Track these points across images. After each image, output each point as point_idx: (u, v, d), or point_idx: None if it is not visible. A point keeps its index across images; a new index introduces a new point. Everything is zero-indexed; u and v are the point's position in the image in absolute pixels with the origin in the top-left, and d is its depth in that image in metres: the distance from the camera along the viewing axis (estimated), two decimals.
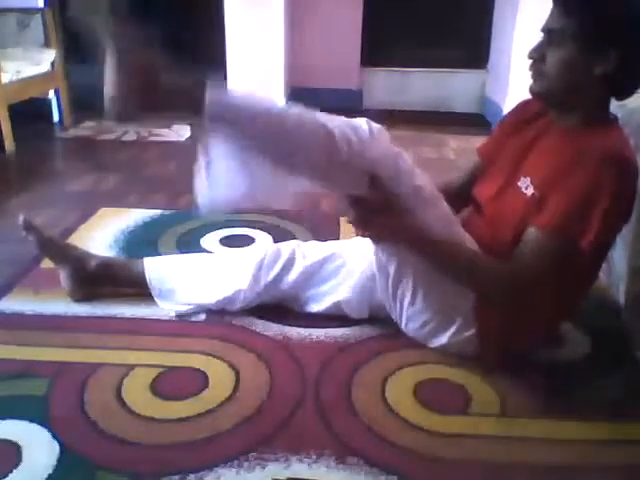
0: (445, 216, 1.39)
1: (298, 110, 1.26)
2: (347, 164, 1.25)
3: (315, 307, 1.61)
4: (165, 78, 1.25)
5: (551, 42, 1.26)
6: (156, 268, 1.66)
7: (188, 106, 1.22)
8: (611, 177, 1.18)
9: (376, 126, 1.31)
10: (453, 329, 1.41)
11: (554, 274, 1.26)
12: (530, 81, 1.31)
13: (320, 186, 1.36)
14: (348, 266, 1.58)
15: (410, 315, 1.45)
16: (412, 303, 1.42)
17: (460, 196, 1.54)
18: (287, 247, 1.64)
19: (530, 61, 1.29)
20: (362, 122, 1.29)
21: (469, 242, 1.39)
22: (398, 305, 1.46)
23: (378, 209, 1.31)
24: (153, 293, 1.65)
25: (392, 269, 1.40)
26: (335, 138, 1.23)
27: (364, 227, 1.35)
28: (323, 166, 1.26)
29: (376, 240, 1.38)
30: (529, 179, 1.32)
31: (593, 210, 1.19)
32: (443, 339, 1.43)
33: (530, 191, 1.30)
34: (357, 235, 1.40)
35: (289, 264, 1.59)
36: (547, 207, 1.25)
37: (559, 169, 1.25)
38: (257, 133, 1.23)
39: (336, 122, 1.26)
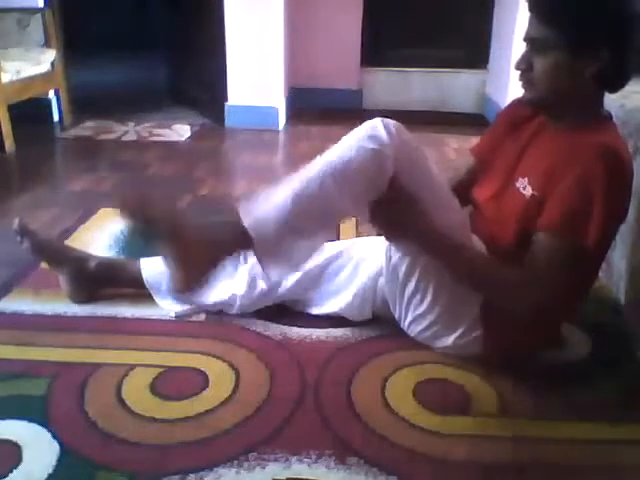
0: (459, 218, 1.39)
1: (314, 173, 1.27)
2: (370, 180, 1.27)
3: (315, 310, 1.61)
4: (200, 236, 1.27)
5: (535, 51, 1.25)
6: (152, 267, 1.65)
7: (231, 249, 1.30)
8: (606, 172, 1.17)
9: (393, 124, 1.30)
10: (459, 331, 1.40)
11: (572, 276, 1.26)
12: (522, 91, 1.31)
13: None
14: (349, 268, 1.57)
15: (416, 316, 1.44)
16: (420, 303, 1.41)
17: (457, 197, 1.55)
18: None
19: (518, 72, 1.29)
20: (377, 123, 1.28)
21: (477, 244, 1.40)
22: (404, 304, 1.45)
23: (399, 211, 1.31)
24: (151, 292, 1.64)
25: (403, 268, 1.39)
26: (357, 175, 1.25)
27: (387, 230, 1.36)
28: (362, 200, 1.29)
29: (397, 244, 1.38)
30: (526, 180, 1.32)
31: (593, 206, 1.19)
32: (447, 341, 1.43)
33: (529, 192, 1.30)
34: (378, 235, 1.41)
35: None
36: (549, 208, 1.25)
37: (555, 168, 1.25)
38: (298, 223, 1.27)
39: (352, 148, 1.26)
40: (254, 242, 1.26)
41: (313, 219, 1.29)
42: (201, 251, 1.26)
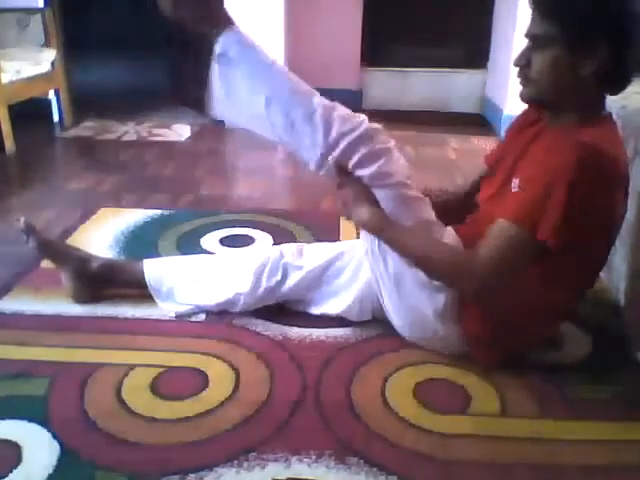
0: (421, 218, 1.40)
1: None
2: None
3: (315, 310, 1.62)
4: None
5: (535, 47, 1.25)
6: (155, 269, 1.66)
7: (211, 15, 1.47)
8: (577, 164, 1.15)
9: (378, 126, 1.37)
10: (439, 331, 1.41)
11: (519, 265, 1.24)
12: (520, 87, 1.31)
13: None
14: (349, 272, 1.58)
15: (394, 314, 1.47)
16: (391, 299, 1.44)
17: (467, 204, 1.55)
18: (289, 251, 1.62)
19: (517, 68, 1.29)
20: (362, 116, 1.40)
21: (453, 243, 1.41)
22: (387, 310, 1.48)
23: (352, 194, 1.39)
24: (153, 294, 1.65)
25: (376, 266, 1.43)
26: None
27: (345, 211, 1.43)
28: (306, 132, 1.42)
29: (357, 225, 1.45)
30: (518, 180, 1.32)
31: (549, 201, 1.17)
32: (433, 342, 1.45)
33: (515, 190, 1.31)
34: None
35: (291, 270, 1.58)
36: (514, 197, 1.26)
37: (540, 164, 1.24)
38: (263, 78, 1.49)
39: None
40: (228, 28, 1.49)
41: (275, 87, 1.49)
42: None
